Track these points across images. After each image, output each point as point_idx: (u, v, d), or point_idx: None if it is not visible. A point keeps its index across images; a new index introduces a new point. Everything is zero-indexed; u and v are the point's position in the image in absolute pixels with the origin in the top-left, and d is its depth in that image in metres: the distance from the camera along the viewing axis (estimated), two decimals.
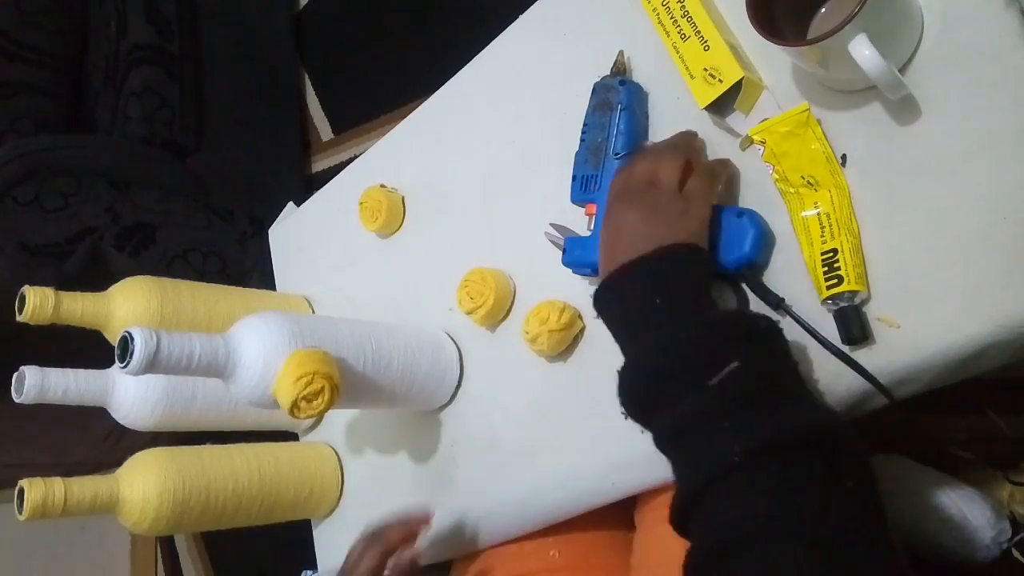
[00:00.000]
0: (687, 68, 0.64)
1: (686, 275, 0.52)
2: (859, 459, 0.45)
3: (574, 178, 0.68)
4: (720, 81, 0.61)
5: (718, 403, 0.44)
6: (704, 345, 0.47)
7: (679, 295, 0.50)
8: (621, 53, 0.70)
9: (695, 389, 0.45)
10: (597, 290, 0.55)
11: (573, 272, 0.69)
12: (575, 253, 0.68)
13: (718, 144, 0.64)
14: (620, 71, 0.70)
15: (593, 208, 0.67)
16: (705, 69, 0.62)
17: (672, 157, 0.57)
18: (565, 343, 0.72)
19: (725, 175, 0.61)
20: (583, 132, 0.69)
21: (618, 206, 0.56)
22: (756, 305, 0.60)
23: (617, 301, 0.53)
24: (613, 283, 0.53)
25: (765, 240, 0.59)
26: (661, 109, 0.69)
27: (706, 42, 0.63)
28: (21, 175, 1.54)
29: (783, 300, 0.57)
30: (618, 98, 0.67)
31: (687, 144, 0.61)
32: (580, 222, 0.74)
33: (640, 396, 0.49)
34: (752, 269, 0.59)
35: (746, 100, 0.62)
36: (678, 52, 0.65)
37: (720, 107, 0.63)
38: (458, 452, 0.82)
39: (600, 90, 0.69)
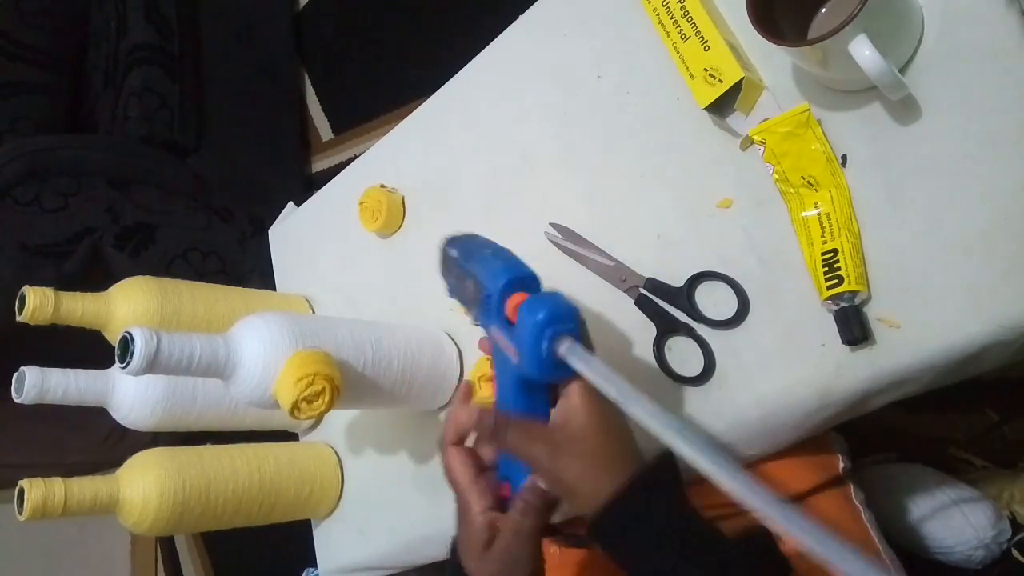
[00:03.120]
0: (687, 68, 0.64)
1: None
2: None
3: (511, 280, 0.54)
4: (720, 81, 0.61)
5: None
6: None
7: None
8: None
9: None
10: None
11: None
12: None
13: (719, 144, 0.64)
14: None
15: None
16: (705, 69, 0.62)
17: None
18: None
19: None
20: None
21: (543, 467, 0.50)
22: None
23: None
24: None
25: (559, 315, 0.49)
26: (661, 110, 0.69)
27: (706, 42, 0.63)
28: (21, 175, 1.54)
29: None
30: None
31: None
32: (580, 221, 0.74)
33: None
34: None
35: (746, 100, 0.62)
36: (678, 52, 0.65)
37: (720, 107, 0.63)
38: None
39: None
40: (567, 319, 0.49)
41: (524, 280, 0.53)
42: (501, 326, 0.52)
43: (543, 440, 0.49)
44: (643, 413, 0.43)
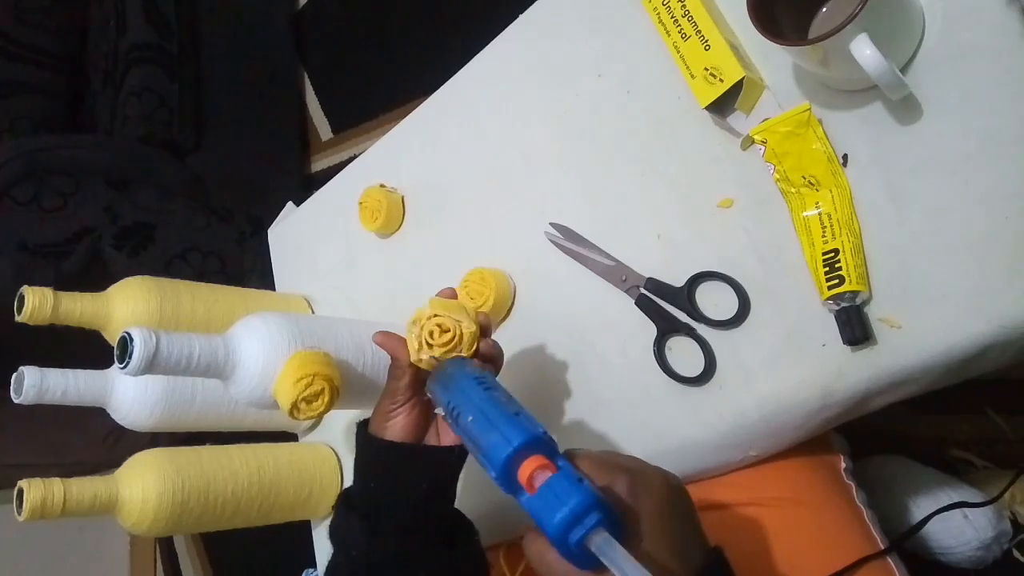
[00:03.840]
0: (688, 68, 0.64)
1: None
2: None
3: (529, 442, 0.43)
4: (721, 81, 0.61)
5: None
6: None
7: None
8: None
9: None
10: None
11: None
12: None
13: (719, 144, 0.64)
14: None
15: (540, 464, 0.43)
16: (706, 69, 0.62)
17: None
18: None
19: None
20: (486, 386, 0.50)
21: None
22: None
23: None
24: None
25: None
26: (661, 110, 0.68)
27: (707, 42, 0.63)
28: (20, 175, 1.54)
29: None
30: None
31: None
32: (580, 221, 0.74)
33: None
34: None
35: (747, 100, 0.62)
36: (679, 52, 0.65)
37: (721, 107, 0.63)
38: None
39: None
40: (592, 508, 0.39)
41: (533, 444, 0.43)
42: (516, 494, 0.43)
43: None
44: None
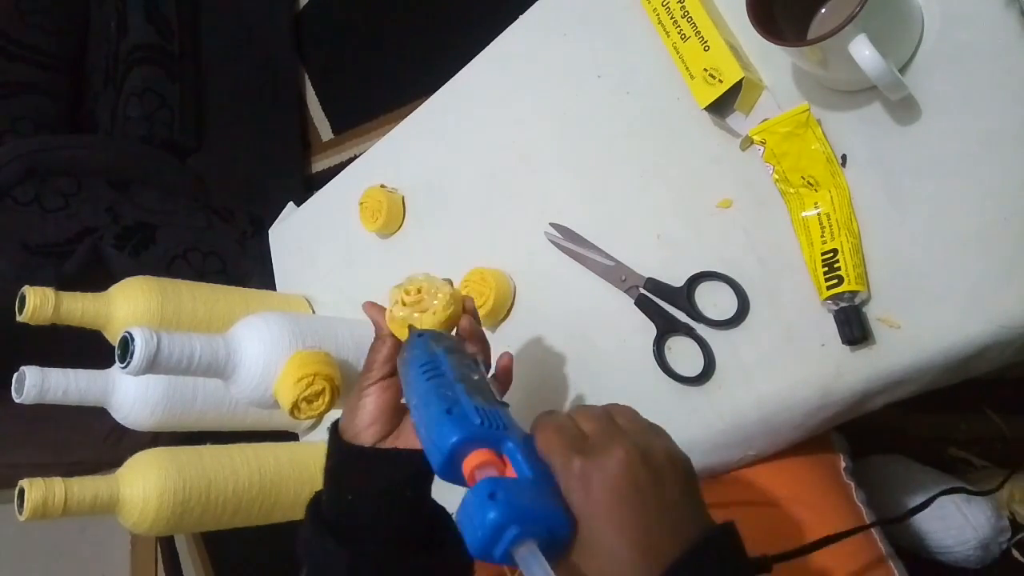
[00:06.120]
0: (687, 68, 0.64)
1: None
2: None
3: (465, 440, 0.41)
4: (720, 81, 0.61)
5: None
6: None
7: None
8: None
9: None
10: None
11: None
12: (514, 504, 0.37)
13: (719, 144, 0.64)
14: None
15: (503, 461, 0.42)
16: (705, 69, 0.62)
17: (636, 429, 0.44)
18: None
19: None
20: (430, 375, 0.47)
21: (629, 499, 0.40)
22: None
23: None
24: None
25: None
26: (661, 110, 0.69)
27: (706, 42, 0.63)
28: (21, 175, 1.54)
29: None
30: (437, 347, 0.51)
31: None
32: (580, 221, 0.74)
33: None
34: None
35: (746, 100, 0.62)
36: (678, 52, 0.65)
37: (720, 107, 0.63)
38: None
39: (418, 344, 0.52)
40: (507, 525, 0.36)
41: (469, 441, 0.41)
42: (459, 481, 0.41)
43: None
44: None
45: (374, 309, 0.58)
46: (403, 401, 0.54)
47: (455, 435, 0.40)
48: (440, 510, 0.59)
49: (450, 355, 0.50)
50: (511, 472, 0.40)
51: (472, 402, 0.43)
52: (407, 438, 0.54)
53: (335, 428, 0.56)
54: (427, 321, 0.54)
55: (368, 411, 0.54)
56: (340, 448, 0.54)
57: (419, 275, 0.58)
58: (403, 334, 0.55)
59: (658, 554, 0.38)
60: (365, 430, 0.54)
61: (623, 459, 0.39)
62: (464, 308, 0.57)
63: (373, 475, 0.53)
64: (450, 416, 0.42)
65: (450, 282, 0.58)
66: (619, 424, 0.43)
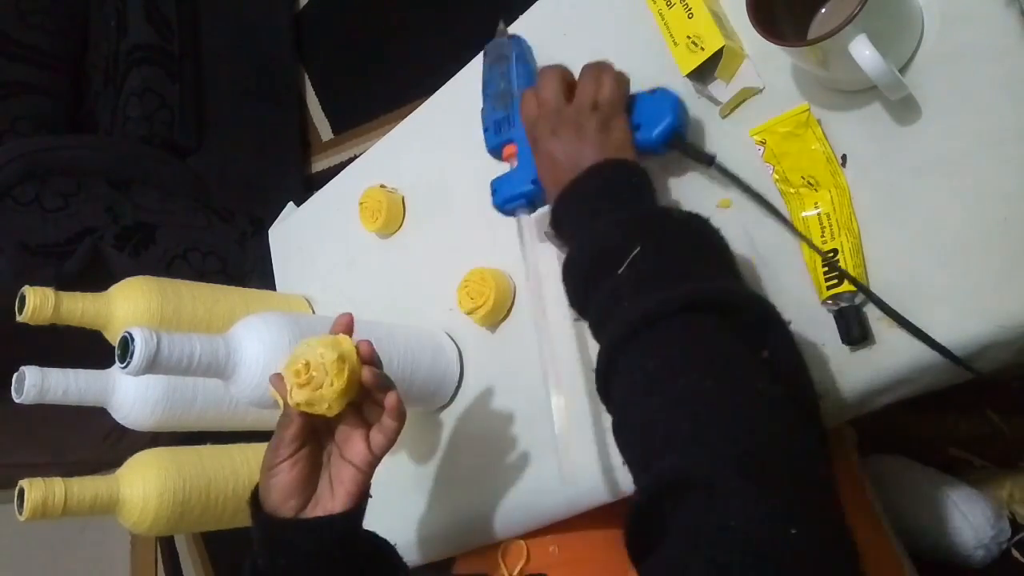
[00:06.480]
0: (671, 35, 0.65)
1: (617, 182, 0.55)
2: (781, 337, 0.47)
3: (486, 129, 0.72)
4: (702, 49, 0.61)
5: (625, 284, 0.49)
6: (610, 238, 0.51)
7: (613, 197, 0.54)
8: (501, 22, 0.79)
9: (608, 277, 0.50)
10: (551, 216, 0.58)
11: (505, 213, 0.71)
12: (505, 191, 0.69)
13: (719, 145, 0.64)
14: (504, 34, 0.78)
15: (513, 148, 0.70)
16: (688, 36, 0.63)
17: (564, 74, 0.62)
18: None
19: (627, 79, 0.62)
20: (485, 88, 0.74)
21: (543, 136, 0.59)
22: (691, 166, 0.65)
23: (566, 218, 0.57)
24: (560, 205, 0.57)
25: (683, 106, 0.63)
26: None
27: (690, 10, 0.63)
28: (21, 175, 1.54)
29: (715, 157, 0.61)
30: (511, 51, 0.73)
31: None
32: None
33: (570, 290, 0.54)
34: (680, 136, 0.62)
35: (727, 68, 0.62)
36: (663, 19, 0.65)
37: (702, 74, 0.63)
38: (458, 452, 0.82)
39: (493, 49, 0.76)
40: (518, 197, 0.69)
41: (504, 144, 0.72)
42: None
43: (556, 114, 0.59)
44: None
45: (281, 384, 0.57)
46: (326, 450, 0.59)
47: (490, 144, 0.73)
48: (381, 544, 0.62)
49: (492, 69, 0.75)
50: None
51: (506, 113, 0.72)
52: (325, 503, 0.57)
53: (255, 499, 0.58)
54: (329, 395, 0.55)
55: (282, 488, 0.56)
56: (263, 521, 0.56)
57: (300, 347, 0.57)
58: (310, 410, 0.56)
59: (576, 163, 0.56)
60: (283, 505, 0.56)
61: (531, 96, 0.62)
62: (362, 359, 0.57)
63: (301, 543, 0.55)
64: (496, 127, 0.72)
65: (332, 337, 0.57)
66: (578, 102, 0.59)
